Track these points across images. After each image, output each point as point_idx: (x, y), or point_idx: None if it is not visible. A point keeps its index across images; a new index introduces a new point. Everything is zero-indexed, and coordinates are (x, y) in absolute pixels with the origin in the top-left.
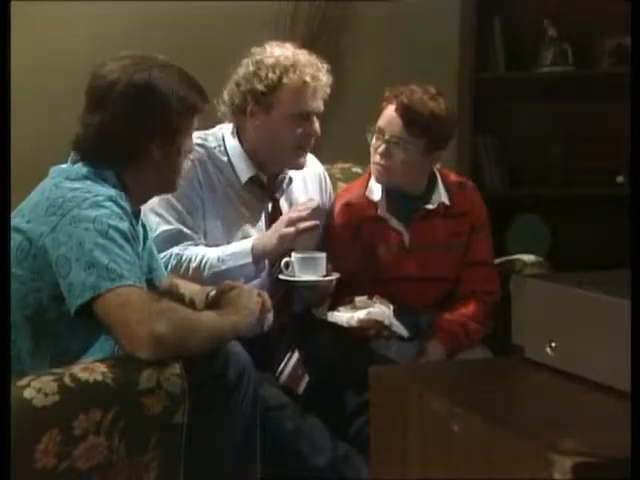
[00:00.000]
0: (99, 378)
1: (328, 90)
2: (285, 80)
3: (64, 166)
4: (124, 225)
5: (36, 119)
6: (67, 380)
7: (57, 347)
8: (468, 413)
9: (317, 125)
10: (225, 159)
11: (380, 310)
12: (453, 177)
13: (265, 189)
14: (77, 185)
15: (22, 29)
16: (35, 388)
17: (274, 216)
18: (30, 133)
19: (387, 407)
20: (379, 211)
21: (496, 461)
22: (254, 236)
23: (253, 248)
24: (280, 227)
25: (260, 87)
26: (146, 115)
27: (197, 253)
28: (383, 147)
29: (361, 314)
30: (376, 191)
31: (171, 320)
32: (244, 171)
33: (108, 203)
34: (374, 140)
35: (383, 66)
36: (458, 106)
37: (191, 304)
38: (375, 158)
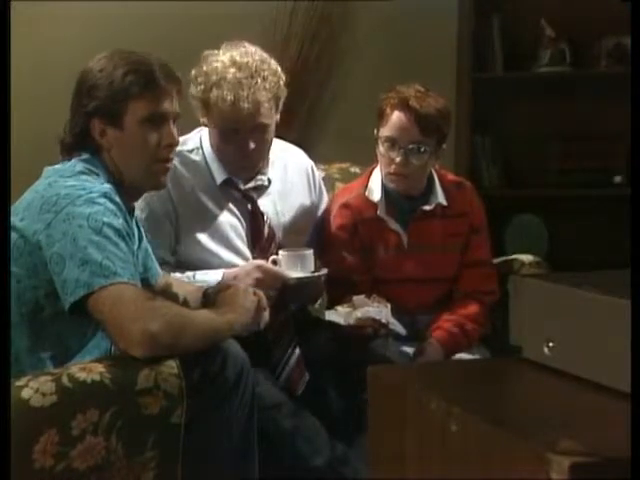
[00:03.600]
0: (97, 378)
1: (267, 105)
2: (211, 95)
3: (57, 166)
4: (118, 222)
5: (36, 119)
6: (65, 380)
7: (55, 345)
8: (466, 413)
9: (250, 142)
10: (203, 162)
11: (378, 309)
12: (451, 177)
13: (241, 191)
14: (71, 182)
15: (22, 29)
16: (33, 388)
17: (254, 219)
18: (30, 133)
19: (385, 407)
20: (378, 212)
21: (493, 461)
22: (225, 255)
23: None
24: (252, 272)
25: (196, 94)
26: (82, 101)
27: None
28: (401, 156)
29: (359, 313)
30: (376, 191)
31: (165, 318)
32: (218, 173)
33: (102, 200)
34: (384, 150)
35: (381, 66)
36: (456, 106)
37: (185, 304)
38: (391, 169)
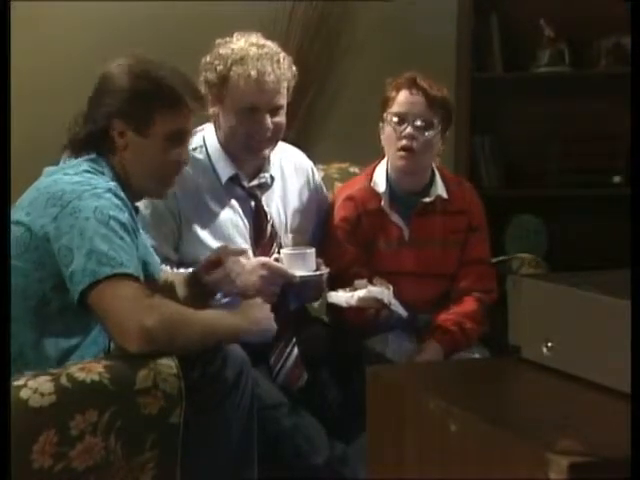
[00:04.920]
0: (96, 378)
1: (285, 84)
2: (232, 73)
3: (61, 164)
4: (124, 216)
5: (36, 119)
6: (64, 380)
7: (59, 339)
8: (465, 413)
9: (269, 120)
10: (206, 160)
11: (380, 289)
12: (451, 176)
13: (246, 189)
14: (76, 179)
15: (22, 29)
16: (32, 388)
17: (257, 217)
18: (30, 133)
19: (384, 406)
20: (382, 203)
21: (492, 461)
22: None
23: None
24: (257, 269)
25: (212, 77)
26: (114, 101)
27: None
28: (409, 129)
29: (361, 292)
30: (380, 183)
31: (162, 315)
32: (224, 171)
33: (107, 195)
34: (392, 127)
35: (381, 66)
36: (456, 106)
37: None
38: (400, 143)
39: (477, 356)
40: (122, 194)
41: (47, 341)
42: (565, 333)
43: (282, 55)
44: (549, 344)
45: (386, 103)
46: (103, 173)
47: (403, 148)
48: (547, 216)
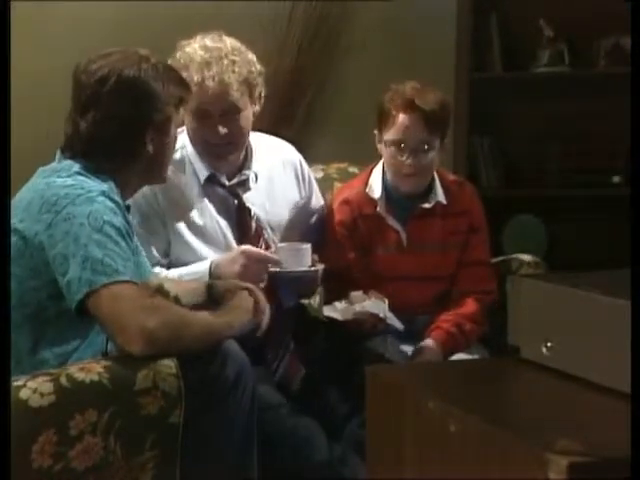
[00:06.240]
0: (95, 378)
1: (239, 86)
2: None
3: (53, 165)
4: (118, 220)
5: (36, 119)
6: (63, 380)
7: (56, 345)
8: (464, 413)
9: (220, 125)
10: (187, 160)
11: (375, 303)
12: (451, 177)
13: (226, 187)
14: (70, 182)
15: (22, 29)
16: (31, 388)
17: (241, 214)
18: (30, 133)
19: (383, 407)
20: (378, 208)
21: (492, 461)
22: (213, 255)
23: (211, 272)
24: (237, 259)
25: None
26: (140, 109)
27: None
28: (411, 158)
29: (357, 307)
30: (376, 189)
31: (163, 316)
32: (201, 170)
33: (101, 198)
34: (391, 153)
35: (380, 66)
36: (455, 106)
37: (177, 301)
38: (402, 171)
39: (477, 356)
40: (116, 197)
41: (44, 347)
42: (565, 333)
43: (236, 58)
44: (549, 344)
45: (385, 120)
46: (96, 174)
47: (407, 175)
48: (547, 216)
